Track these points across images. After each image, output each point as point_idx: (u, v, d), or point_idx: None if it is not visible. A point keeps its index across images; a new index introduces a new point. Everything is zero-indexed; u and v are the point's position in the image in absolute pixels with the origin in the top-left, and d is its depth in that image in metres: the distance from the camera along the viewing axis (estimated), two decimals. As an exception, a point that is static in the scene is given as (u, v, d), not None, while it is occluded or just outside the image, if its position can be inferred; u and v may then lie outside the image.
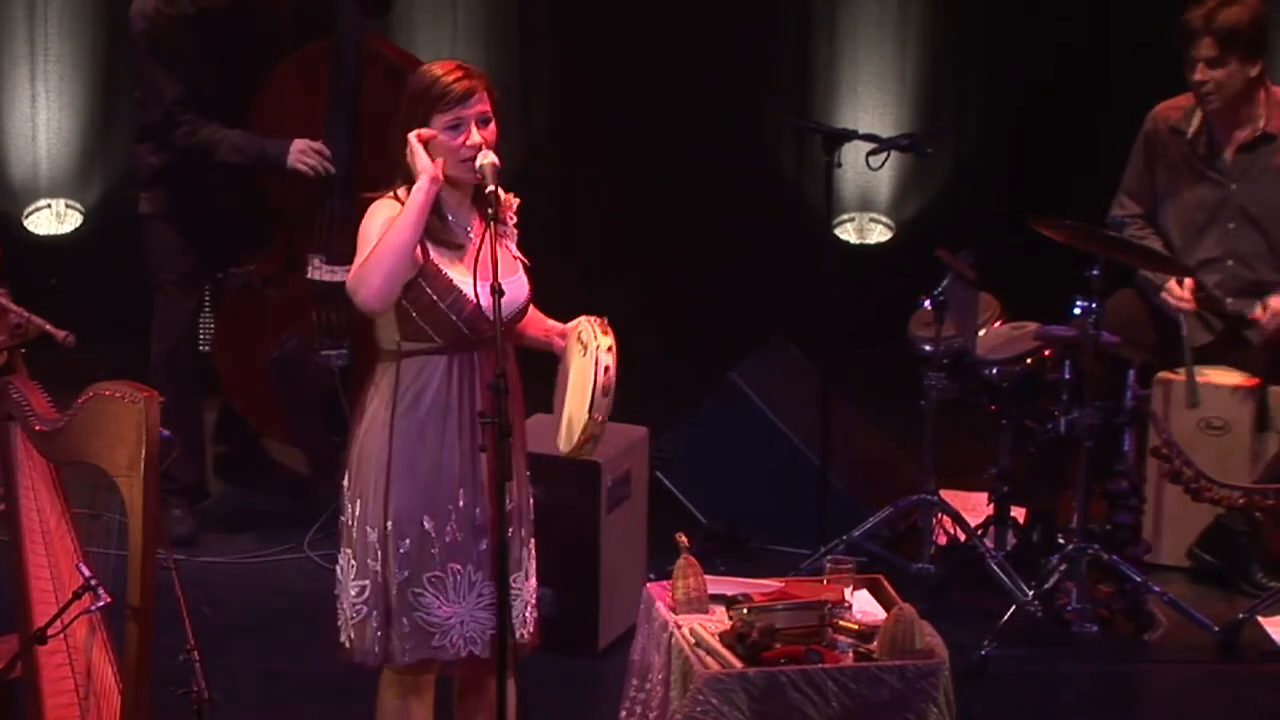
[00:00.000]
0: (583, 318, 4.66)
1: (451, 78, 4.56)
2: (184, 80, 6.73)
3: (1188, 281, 6.59)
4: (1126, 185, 6.80)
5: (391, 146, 4.63)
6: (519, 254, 4.71)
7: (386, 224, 4.56)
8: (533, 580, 4.80)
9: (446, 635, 4.65)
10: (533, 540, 4.81)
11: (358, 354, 6.76)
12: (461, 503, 4.63)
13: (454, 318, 4.59)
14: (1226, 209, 6.66)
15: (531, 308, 4.78)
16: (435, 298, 4.59)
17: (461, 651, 4.66)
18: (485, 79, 4.61)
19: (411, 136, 4.53)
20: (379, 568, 4.66)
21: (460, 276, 4.58)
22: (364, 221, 4.63)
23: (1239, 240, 6.66)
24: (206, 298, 7.23)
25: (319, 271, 6.83)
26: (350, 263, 6.76)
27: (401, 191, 4.61)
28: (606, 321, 4.55)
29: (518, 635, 4.72)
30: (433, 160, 4.55)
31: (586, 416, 4.47)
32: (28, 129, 8.72)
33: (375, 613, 4.68)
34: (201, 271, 7.01)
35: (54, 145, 8.73)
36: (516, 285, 4.65)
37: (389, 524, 4.64)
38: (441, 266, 4.59)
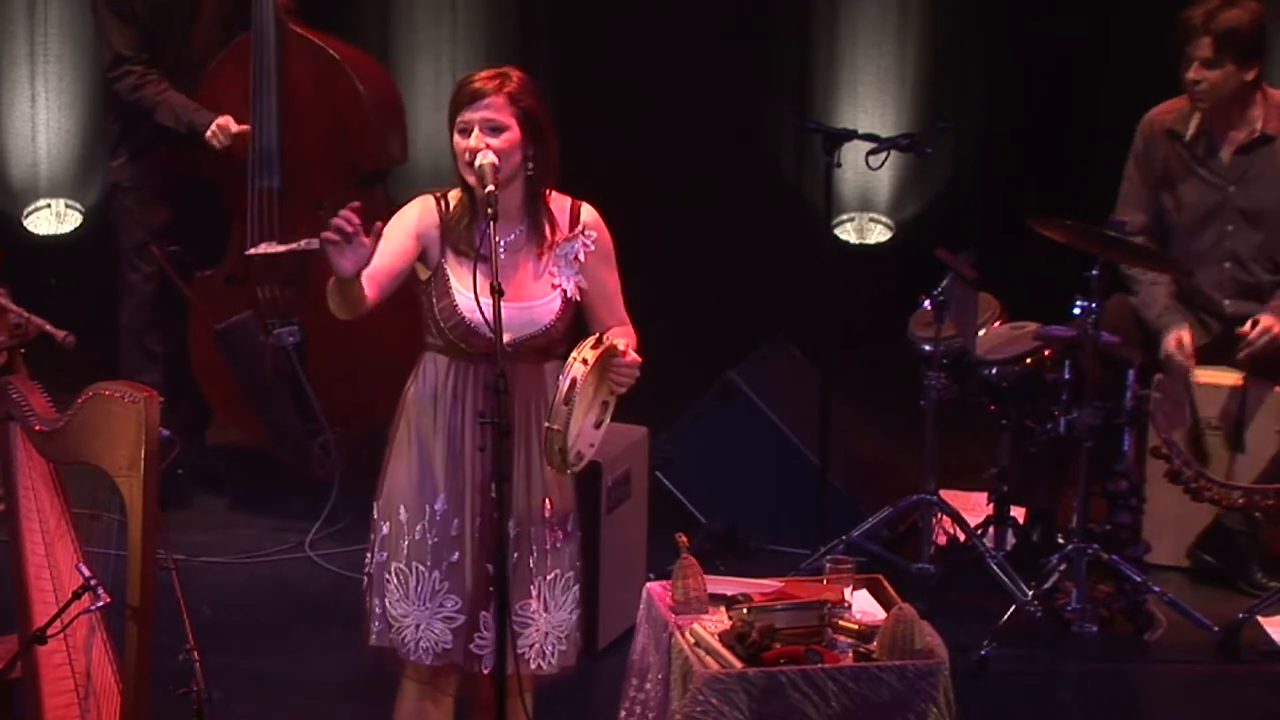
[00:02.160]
0: (591, 335, 4.62)
1: (468, 79, 4.58)
2: (136, 34, 6.84)
3: (1187, 338, 6.55)
4: (1126, 196, 6.77)
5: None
6: (565, 284, 4.64)
7: (402, 229, 4.55)
8: (560, 614, 4.73)
9: (400, 633, 4.65)
10: (563, 574, 4.72)
11: (312, 335, 6.85)
12: (439, 508, 4.62)
13: (442, 324, 4.59)
14: (1224, 210, 6.66)
15: (622, 328, 4.69)
16: (434, 299, 4.60)
17: (411, 655, 4.64)
18: (506, 85, 4.56)
19: (323, 236, 4.35)
20: (372, 542, 4.71)
21: (461, 286, 4.57)
22: (398, 213, 4.64)
23: (1237, 241, 6.66)
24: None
25: (256, 247, 6.86)
26: (279, 238, 6.84)
27: (453, 194, 4.62)
28: (600, 338, 4.51)
29: (534, 666, 4.70)
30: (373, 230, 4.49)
31: (547, 425, 4.46)
32: (27, 129, 8.72)
33: (367, 586, 4.73)
34: (162, 240, 7.02)
35: (54, 145, 8.74)
36: (542, 308, 4.61)
37: (380, 504, 4.69)
38: (450, 272, 4.59)
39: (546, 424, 4.44)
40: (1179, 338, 6.54)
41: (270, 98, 6.84)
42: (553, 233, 4.65)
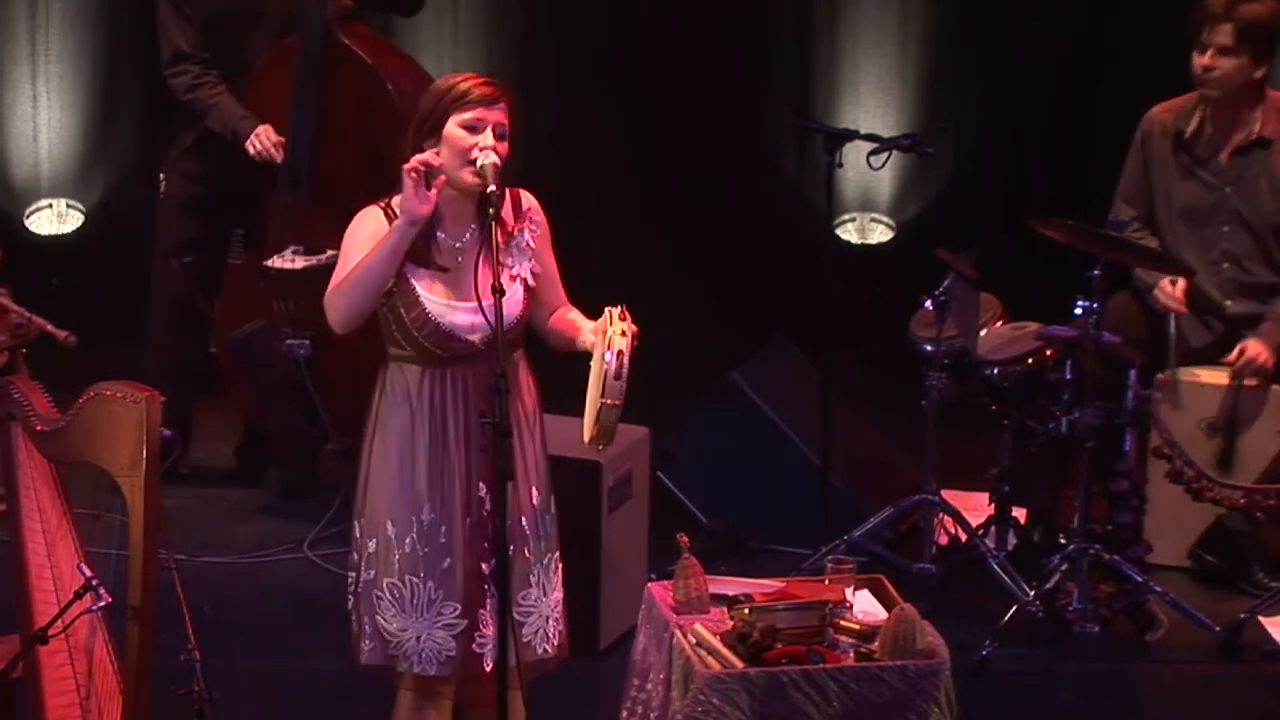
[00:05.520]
0: (606, 309, 4.64)
1: (476, 81, 4.56)
2: (196, 33, 6.88)
3: (1180, 283, 6.59)
4: (1123, 189, 6.79)
5: (399, 153, 4.61)
6: (523, 272, 4.66)
7: (369, 240, 4.54)
8: (555, 594, 4.77)
9: (401, 647, 4.64)
10: (550, 556, 4.76)
11: (322, 345, 6.85)
12: (426, 517, 4.62)
13: (416, 333, 4.58)
14: (1220, 211, 6.67)
15: (569, 309, 4.73)
16: (402, 310, 4.58)
17: (414, 668, 4.64)
18: (507, 95, 4.58)
19: (406, 169, 4.47)
20: (357, 561, 4.70)
21: (430, 294, 4.57)
22: (348, 230, 4.62)
23: (1233, 242, 6.67)
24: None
25: (279, 259, 6.87)
26: (308, 250, 6.87)
27: (396, 201, 4.60)
28: (625, 309, 4.54)
29: (539, 652, 4.73)
30: (436, 179, 4.53)
31: (598, 402, 4.45)
32: (29, 129, 8.72)
33: (356, 606, 4.71)
34: (203, 242, 7.08)
35: (55, 145, 8.73)
36: (508, 301, 4.57)
37: (362, 522, 4.68)
38: (414, 280, 4.58)
39: (602, 400, 4.42)
40: (1170, 279, 6.57)
41: (309, 111, 6.81)
42: (502, 229, 4.65)
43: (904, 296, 6.70)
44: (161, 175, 7.18)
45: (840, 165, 6.69)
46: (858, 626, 4.87)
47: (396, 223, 4.50)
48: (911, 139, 6.75)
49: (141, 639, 4.41)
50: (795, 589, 5.05)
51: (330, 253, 6.77)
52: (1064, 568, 6.22)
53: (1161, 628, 6.29)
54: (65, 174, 8.78)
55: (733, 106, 8.81)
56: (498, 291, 4.42)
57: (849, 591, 5.00)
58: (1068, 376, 6.28)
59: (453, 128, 4.54)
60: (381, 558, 4.64)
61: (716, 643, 4.77)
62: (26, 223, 8.78)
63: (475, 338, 4.56)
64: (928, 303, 6.37)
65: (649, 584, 5.14)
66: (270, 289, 6.89)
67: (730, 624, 4.84)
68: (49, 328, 4.89)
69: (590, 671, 5.93)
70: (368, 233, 4.57)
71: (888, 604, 5.02)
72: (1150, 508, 6.54)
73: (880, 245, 9.06)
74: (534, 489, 4.73)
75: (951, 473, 6.73)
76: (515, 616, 4.62)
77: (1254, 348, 6.49)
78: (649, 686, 4.92)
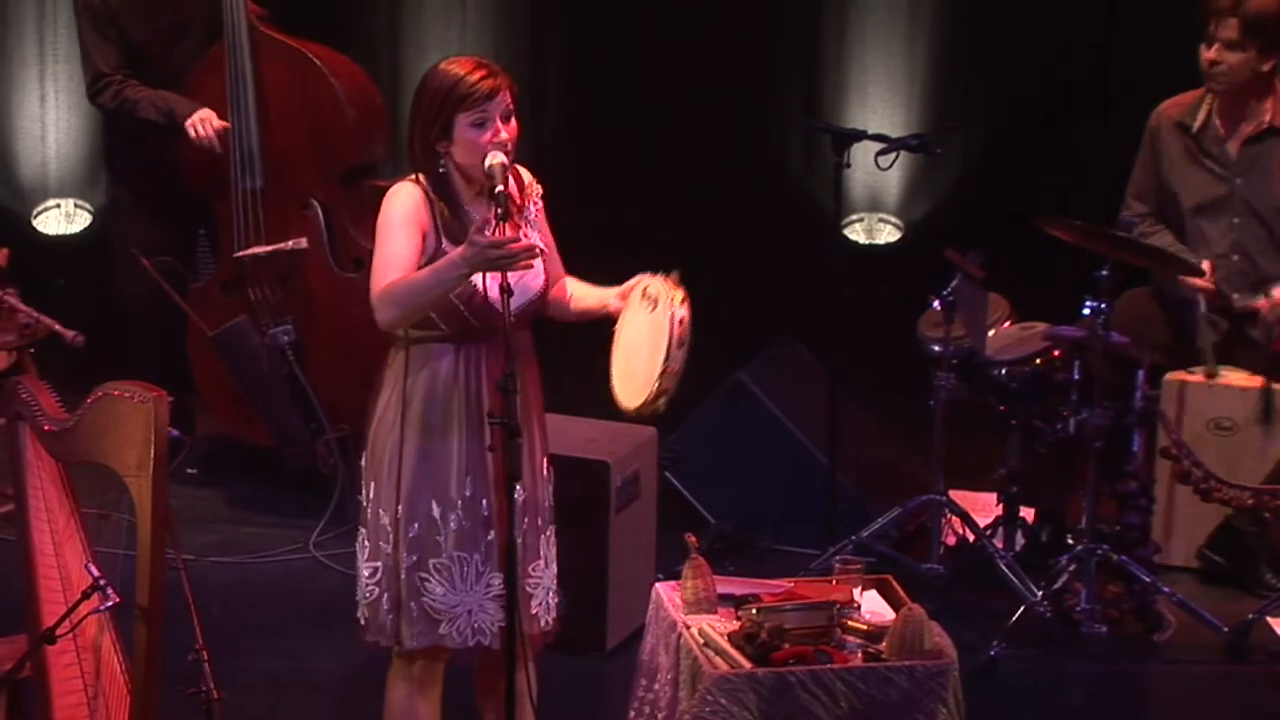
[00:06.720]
0: (644, 275, 4.64)
1: (476, 76, 4.56)
2: (118, 53, 6.95)
3: (1206, 264, 6.58)
4: (1133, 185, 6.80)
5: (411, 143, 4.63)
6: (539, 243, 4.66)
7: (407, 215, 4.55)
8: (554, 567, 4.82)
9: (454, 623, 4.67)
10: (552, 528, 4.82)
11: (304, 329, 6.93)
12: (468, 493, 4.65)
13: (462, 308, 4.58)
14: (1231, 203, 6.66)
15: (573, 281, 4.77)
16: None
17: (469, 641, 4.68)
18: (507, 76, 4.60)
19: (511, 250, 4.42)
20: (390, 550, 4.70)
21: None
22: (384, 205, 4.63)
23: (1244, 234, 6.66)
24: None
25: (245, 250, 6.92)
26: (268, 240, 6.87)
27: (424, 177, 4.62)
28: (677, 277, 4.56)
29: (543, 624, 4.77)
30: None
31: (660, 368, 4.47)
32: (37, 129, 8.73)
33: (386, 595, 4.72)
34: (166, 246, 7.10)
35: (63, 145, 8.74)
36: (531, 275, 4.63)
37: (399, 508, 4.68)
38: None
39: (665, 365, 4.47)
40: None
41: (247, 100, 6.90)
42: (528, 199, 4.71)
43: (912, 297, 6.70)
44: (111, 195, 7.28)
45: (848, 165, 6.69)
46: (865, 627, 4.87)
47: (465, 263, 4.43)
48: (920, 139, 6.75)
49: (149, 639, 4.41)
50: (803, 589, 5.05)
51: (294, 240, 6.84)
52: (1072, 568, 6.21)
53: (1169, 628, 6.28)
54: (73, 174, 8.79)
55: (740, 106, 8.81)
56: (505, 292, 4.43)
57: (857, 592, 5.00)
58: (1076, 377, 6.27)
59: (462, 129, 4.56)
60: (425, 540, 4.66)
61: (724, 643, 4.77)
62: (34, 222, 8.79)
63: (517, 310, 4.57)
64: (936, 303, 6.36)
65: (657, 584, 5.15)
66: (245, 277, 6.96)
67: (738, 624, 4.84)
68: (56, 327, 4.90)
69: (597, 671, 5.93)
70: (405, 208, 4.59)
71: (895, 604, 5.02)
72: (1158, 508, 6.55)
73: (888, 245, 9.06)
74: (545, 459, 4.78)
75: (959, 473, 6.73)
76: (526, 589, 4.68)
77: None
78: (656, 686, 4.93)
